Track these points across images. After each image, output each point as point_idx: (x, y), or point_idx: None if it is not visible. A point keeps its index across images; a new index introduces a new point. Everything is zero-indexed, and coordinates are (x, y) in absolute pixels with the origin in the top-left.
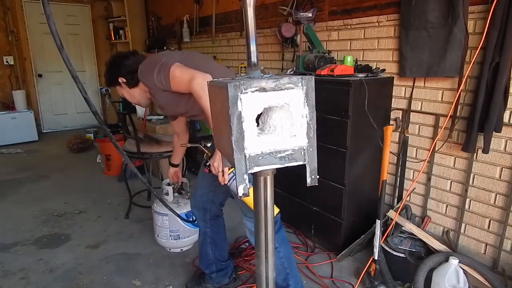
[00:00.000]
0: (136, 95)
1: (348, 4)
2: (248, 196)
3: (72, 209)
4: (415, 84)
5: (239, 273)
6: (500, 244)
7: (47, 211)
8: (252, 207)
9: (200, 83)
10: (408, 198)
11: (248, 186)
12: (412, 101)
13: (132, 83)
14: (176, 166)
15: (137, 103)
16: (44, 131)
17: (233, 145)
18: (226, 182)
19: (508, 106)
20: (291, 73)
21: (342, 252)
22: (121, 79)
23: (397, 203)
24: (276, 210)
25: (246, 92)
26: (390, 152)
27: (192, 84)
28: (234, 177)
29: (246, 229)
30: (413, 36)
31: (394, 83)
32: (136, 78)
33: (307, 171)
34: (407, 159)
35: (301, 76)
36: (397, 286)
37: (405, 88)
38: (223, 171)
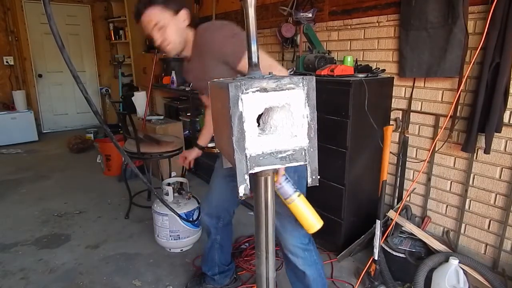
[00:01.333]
0: (175, 28)
1: (348, 4)
2: (292, 203)
3: (72, 209)
4: (415, 84)
5: (239, 273)
6: (500, 244)
7: (47, 211)
8: (303, 220)
9: (283, 72)
10: (408, 198)
11: (249, 186)
12: (412, 101)
13: (175, 8)
14: (202, 148)
15: (168, 42)
16: (44, 131)
17: (234, 145)
18: (279, 185)
19: (508, 106)
20: (291, 73)
21: (342, 252)
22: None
23: (397, 203)
24: (320, 222)
25: (247, 92)
26: (390, 152)
27: (273, 68)
28: (288, 179)
29: (287, 251)
30: (413, 36)
31: (394, 83)
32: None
33: (308, 171)
34: (407, 159)
35: (302, 76)
36: (397, 286)
37: (405, 88)
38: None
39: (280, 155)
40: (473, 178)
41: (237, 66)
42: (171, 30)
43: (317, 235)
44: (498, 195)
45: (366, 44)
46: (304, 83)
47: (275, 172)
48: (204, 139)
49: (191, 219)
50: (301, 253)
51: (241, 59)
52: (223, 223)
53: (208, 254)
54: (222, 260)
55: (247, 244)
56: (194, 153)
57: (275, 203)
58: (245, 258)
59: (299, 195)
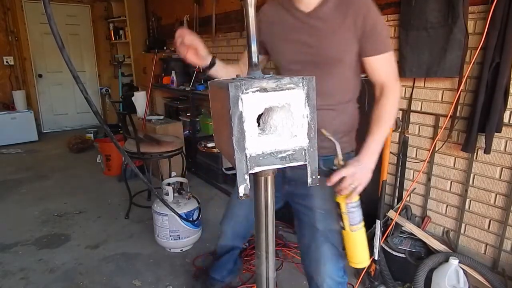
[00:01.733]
0: None
1: None
2: (356, 232)
3: (72, 209)
4: (415, 84)
5: None
6: (500, 244)
7: (47, 211)
8: (357, 252)
9: (400, 91)
10: (408, 198)
11: (248, 186)
12: (412, 101)
13: None
14: (212, 63)
15: None
16: (44, 131)
17: (234, 145)
18: (353, 208)
19: (508, 106)
20: None
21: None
22: None
23: (397, 203)
24: (369, 260)
25: (247, 92)
26: (390, 152)
27: (396, 83)
28: (359, 206)
29: (323, 283)
30: (413, 36)
31: None
32: None
33: (308, 171)
34: (407, 159)
35: (302, 77)
36: (397, 286)
37: (405, 88)
38: (355, 189)
39: (280, 155)
40: (473, 178)
41: (369, 56)
42: None
43: None
44: (498, 195)
45: None
46: (304, 83)
47: (353, 190)
48: (222, 67)
49: (191, 219)
50: (335, 286)
51: (381, 54)
52: (248, 243)
53: (222, 263)
54: (234, 265)
55: (247, 244)
56: (203, 51)
57: (328, 230)
58: (245, 258)
59: (364, 225)
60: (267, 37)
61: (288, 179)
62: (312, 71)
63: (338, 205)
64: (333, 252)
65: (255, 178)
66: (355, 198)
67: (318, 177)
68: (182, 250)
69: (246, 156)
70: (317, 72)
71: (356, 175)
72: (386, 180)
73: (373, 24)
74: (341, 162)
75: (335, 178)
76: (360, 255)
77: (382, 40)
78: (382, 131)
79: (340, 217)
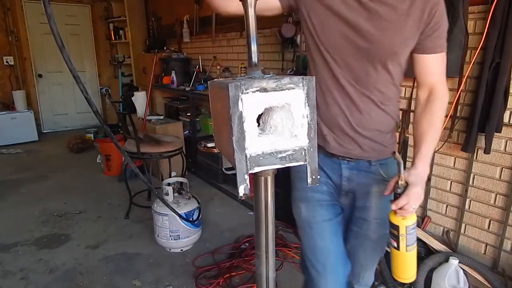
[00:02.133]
0: None
1: None
2: (412, 251)
3: (72, 209)
4: (415, 84)
5: (239, 273)
6: (500, 244)
7: (47, 211)
8: (408, 268)
9: (448, 95)
10: None
11: (248, 186)
12: (412, 101)
13: None
14: None
15: None
16: (44, 131)
17: (234, 145)
18: (411, 230)
19: (508, 106)
20: (291, 73)
21: None
22: None
23: None
24: (413, 217)
25: (247, 92)
26: None
27: (446, 86)
28: (415, 226)
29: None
30: None
31: None
32: None
33: (308, 171)
34: (407, 159)
35: (302, 77)
36: (397, 286)
37: (405, 88)
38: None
39: (280, 155)
40: (473, 178)
41: (426, 54)
42: None
43: None
44: (498, 195)
45: None
46: (304, 83)
47: (413, 210)
48: None
49: (191, 219)
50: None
51: (438, 53)
52: (248, 243)
53: None
54: None
55: (247, 244)
56: None
57: (380, 236)
58: (245, 258)
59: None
60: (310, 1)
61: (345, 191)
62: (363, 61)
63: (396, 227)
64: (379, 257)
65: (255, 178)
66: (415, 218)
67: (377, 185)
68: (182, 250)
69: (246, 156)
70: (369, 64)
71: (419, 192)
72: None
73: (439, 19)
74: (403, 182)
75: (403, 201)
76: (411, 271)
77: (443, 37)
78: (435, 138)
79: (397, 238)
